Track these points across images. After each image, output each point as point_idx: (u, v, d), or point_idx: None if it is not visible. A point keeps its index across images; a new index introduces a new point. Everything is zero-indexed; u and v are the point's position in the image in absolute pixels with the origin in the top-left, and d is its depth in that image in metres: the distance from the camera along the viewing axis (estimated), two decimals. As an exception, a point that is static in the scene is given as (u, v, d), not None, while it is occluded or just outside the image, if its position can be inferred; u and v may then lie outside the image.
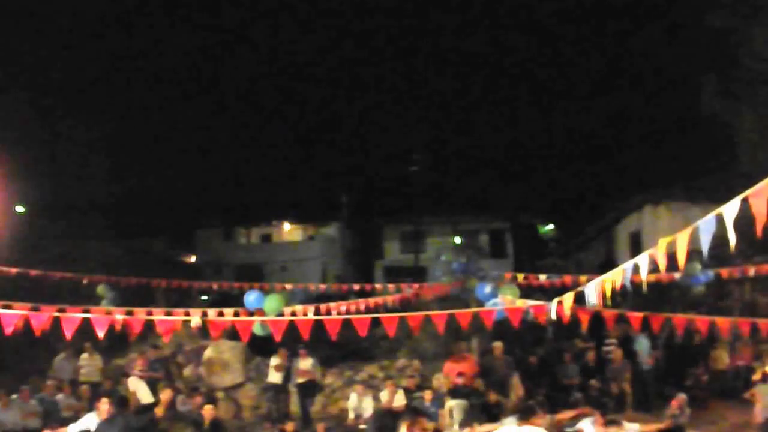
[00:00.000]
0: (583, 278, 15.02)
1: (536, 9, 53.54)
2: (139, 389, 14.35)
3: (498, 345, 14.88)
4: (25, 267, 16.47)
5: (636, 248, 23.56)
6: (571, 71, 50.95)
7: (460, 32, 54.32)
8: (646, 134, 36.46)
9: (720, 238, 5.28)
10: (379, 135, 48.77)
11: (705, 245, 5.40)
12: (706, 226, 5.29)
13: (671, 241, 5.84)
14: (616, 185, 30.92)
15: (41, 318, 8.85)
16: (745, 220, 5.04)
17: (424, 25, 55.82)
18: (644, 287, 7.51)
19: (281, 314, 11.88)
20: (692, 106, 26.09)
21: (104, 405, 11.25)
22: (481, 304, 12.56)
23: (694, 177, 23.67)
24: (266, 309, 11.79)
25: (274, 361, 15.32)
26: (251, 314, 12.18)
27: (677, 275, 15.08)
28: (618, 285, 7.20)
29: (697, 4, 24.48)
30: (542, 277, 17.56)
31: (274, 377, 15.36)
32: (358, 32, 54.65)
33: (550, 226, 40.03)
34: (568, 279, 16.71)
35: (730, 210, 5.11)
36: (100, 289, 17.64)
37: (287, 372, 15.57)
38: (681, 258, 5.72)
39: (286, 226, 39.33)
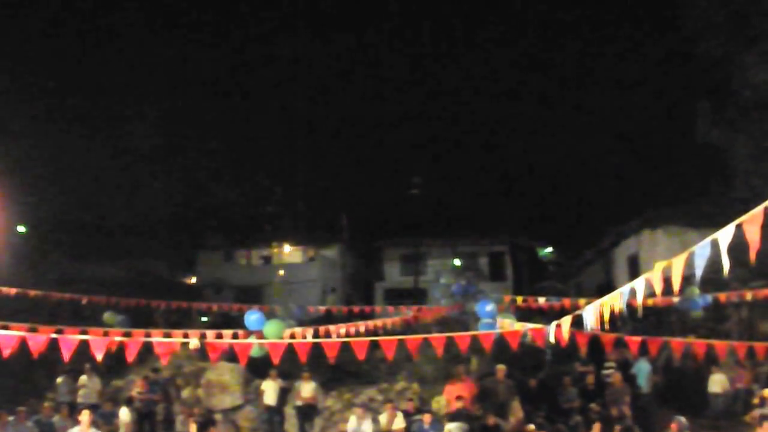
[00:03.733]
0: (582, 301, 15.04)
1: (532, 36, 54.00)
2: None
3: (501, 368, 14.86)
4: (25, 287, 16.47)
5: (634, 271, 23.63)
6: (568, 97, 51.32)
7: (459, 55, 54.78)
8: (643, 159, 36.68)
9: (717, 262, 5.34)
10: (379, 158, 48.95)
11: (700, 270, 5.48)
12: (701, 251, 5.37)
13: (667, 266, 5.91)
14: (615, 209, 31.02)
15: (38, 339, 8.74)
16: (741, 245, 5.11)
17: (423, 49, 56.24)
18: (640, 311, 7.56)
19: (281, 338, 11.86)
20: (688, 132, 26.31)
21: (85, 416, 11.34)
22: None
23: (691, 202, 23.85)
24: (266, 333, 11.77)
25: (266, 384, 15.41)
26: (250, 335, 12.17)
27: (675, 299, 15.14)
28: (616, 309, 7.23)
29: (691, 32, 24.75)
30: (541, 300, 17.59)
31: (269, 399, 15.41)
32: (358, 54, 55.09)
33: (549, 249, 40.06)
34: (567, 302, 16.75)
35: (724, 236, 5.19)
36: (108, 316, 17.60)
37: (282, 394, 15.62)
38: (676, 282, 5.80)
39: (287, 248, 39.25)
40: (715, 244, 5.24)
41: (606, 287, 23.80)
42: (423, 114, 53.66)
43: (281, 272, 36.44)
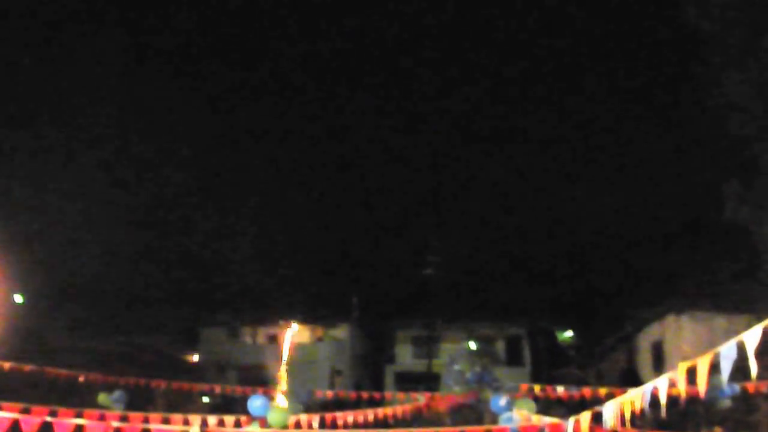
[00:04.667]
0: (602, 391, 14.33)
1: (553, 116, 54.38)
2: None
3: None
4: (20, 360, 16.07)
5: (658, 359, 23.06)
6: (590, 178, 51.12)
7: (472, 134, 55.15)
8: (667, 241, 36.07)
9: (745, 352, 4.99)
10: (392, 236, 48.70)
11: (726, 372, 5.19)
12: (727, 352, 5.07)
13: (691, 366, 5.52)
14: (638, 293, 30.29)
15: (32, 422, 8.37)
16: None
17: (435, 125, 56.84)
18: (663, 412, 7.02)
19: (285, 426, 11.28)
20: (714, 212, 25.81)
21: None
22: (495, 415, 11.89)
23: (718, 285, 23.21)
24: (270, 421, 11.16)
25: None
26: (253, 421, 11.60)
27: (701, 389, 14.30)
28: (637, 408, 6.69)
29: (717, 111, 24.60)
30: (560, 389, 16.82)
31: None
32: (369, 131, 55.59)
33: (569, 333, 39.24)
34: (587, 391, 16.02)
35: (751, 338, 4.92)
36: (102, 398, 17.00)
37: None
38: (702, 385, 5.42)
39: (294, 327, 38.53)
40: (740, 346, 4.94)
41: (629, 375, 22.94)
42: (438, 192, 53.55)
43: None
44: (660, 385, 6.02)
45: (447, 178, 56.72)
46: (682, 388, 5.73)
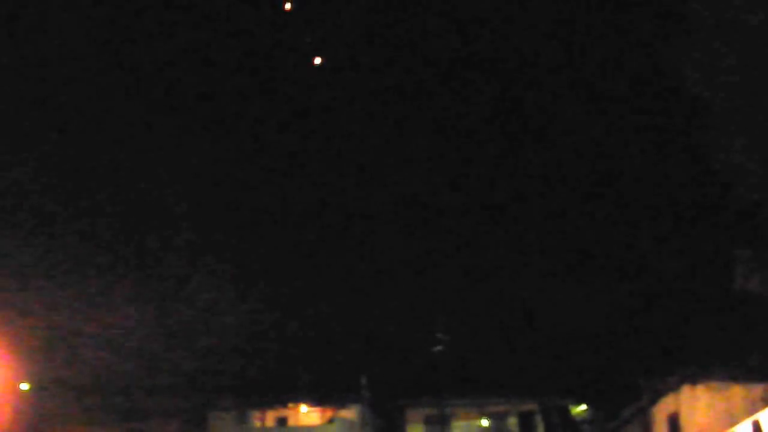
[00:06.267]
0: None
1: (553, 203, 54.38)
2: None
3: None
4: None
5: (675, 431, 22.46)
6: (601, 248, 50.81)
7: (478, 213, 55.20)
8: (680, 311, 35.75)
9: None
10: (400, 314, 48.41)
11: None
12: (743, 430, 4.87)
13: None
14: (651, 364, 29.83)
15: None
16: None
17: (443, 200, 56.81)
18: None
19: None
20: (726, 281, 25.59)
21: None
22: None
23: (733, 354, 22.86)
24: None
25: None
26: None
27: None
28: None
29: (725, 179, 24.63)
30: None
31: None
32: (375, 205, 55.63)
33: (583, 407, 38.62)
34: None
35: (766, 418, 4.72)
36: None
37: None
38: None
39: (303, 409, 38.31)
40: (756, 426, 4.77)
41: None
42: (447, 266, 53.28)
43: None
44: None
45: (455, 254, 56.51)
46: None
